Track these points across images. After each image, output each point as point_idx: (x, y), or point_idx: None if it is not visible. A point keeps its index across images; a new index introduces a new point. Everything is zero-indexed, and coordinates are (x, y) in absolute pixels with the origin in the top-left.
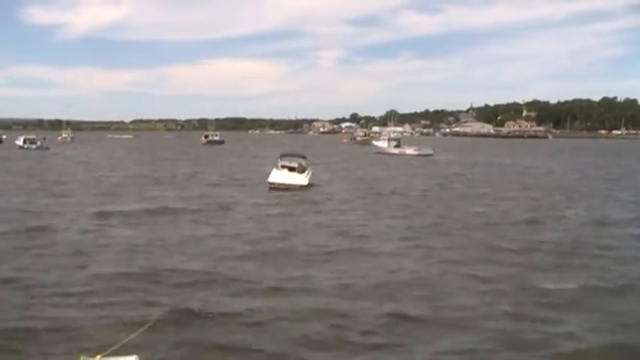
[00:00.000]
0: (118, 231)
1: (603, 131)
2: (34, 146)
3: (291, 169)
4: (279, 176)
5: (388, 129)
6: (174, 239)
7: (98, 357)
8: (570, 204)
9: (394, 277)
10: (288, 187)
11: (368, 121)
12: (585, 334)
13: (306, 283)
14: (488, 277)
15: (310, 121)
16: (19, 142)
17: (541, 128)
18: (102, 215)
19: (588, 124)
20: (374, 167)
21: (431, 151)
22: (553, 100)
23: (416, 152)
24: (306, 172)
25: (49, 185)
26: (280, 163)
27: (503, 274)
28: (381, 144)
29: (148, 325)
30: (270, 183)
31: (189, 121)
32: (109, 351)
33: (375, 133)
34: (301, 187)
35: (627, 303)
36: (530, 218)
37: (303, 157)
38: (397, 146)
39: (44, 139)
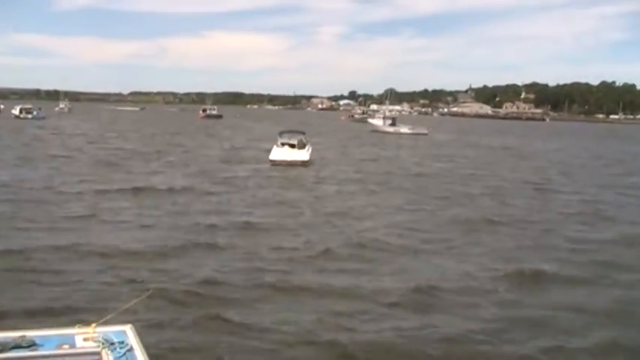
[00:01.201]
0: (110, 205)
1: (601, 115)
2: (30, 116)
3: (292, 146)
4: (281, 153)
5: (384, 107)
6: (177, 220)
7: (93, 325)
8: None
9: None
10: (290, 164)
11: (366, 99)
12: None
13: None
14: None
15: (308, 98)
16: (16, 111)
17: (539, 110)
18: (96, 193)
19: (586, 107)
20: (367, 146)
21: (425, 131)
22: (552, 83)
23: (410, 131)
24: (307, 147)
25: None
26: (280, 140)
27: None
28: (377, 122)
29: (145, 295)
30: (271, 160)
31: (187, 95)
32: (103, 320)
33: (373, 111)
34: (303, 163)
35: None
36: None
37: (302, 133)
38: (392, 125)
39: (40, 109)
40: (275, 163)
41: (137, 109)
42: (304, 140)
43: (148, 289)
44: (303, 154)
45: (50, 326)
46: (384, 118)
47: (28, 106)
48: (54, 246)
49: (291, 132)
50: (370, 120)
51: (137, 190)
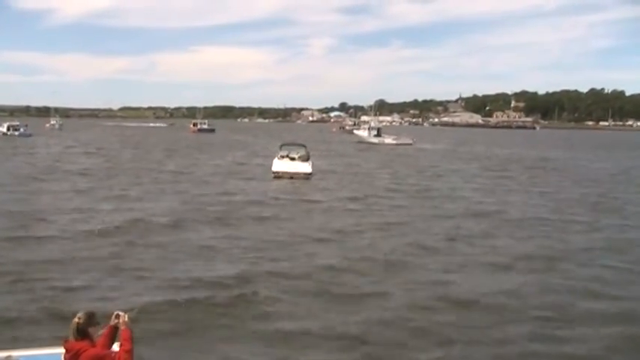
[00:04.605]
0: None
1: (590, 122)
2: (17, 133)
3: (292, 158)
4: (283, 165)
5: (369, 118)
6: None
7: None
8: None
9: None
10: (292, 176)
11: (357, 111)
12: None
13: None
14: None
15: (299, 110)
16: (3, 128)
17: (529, 119)
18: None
19: (576, 115)
20: (349, 157)
21: (410, 141)
22: (541, 91)
23: (394, 141)
24: (309, 160)
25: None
26: (280, 153)
27: None
28: (362, 133)
29: (131, 313)
30: (274, 172)
31: (178, 109)
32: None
33: (364, 122)
34: (306, 175)
35: None
36: None
37: (304, 147)
38: (377, 135)
39: (26, 125)
40: (277, 175)
41: (164, 125)
42: (306, 153)
43: (133, 308)
44: (306, 167)
45: (37, 346)
46: (369, 129)
47: (16, 123)
48: None
49: (292, 145)
50: (356, 131)
51: None
